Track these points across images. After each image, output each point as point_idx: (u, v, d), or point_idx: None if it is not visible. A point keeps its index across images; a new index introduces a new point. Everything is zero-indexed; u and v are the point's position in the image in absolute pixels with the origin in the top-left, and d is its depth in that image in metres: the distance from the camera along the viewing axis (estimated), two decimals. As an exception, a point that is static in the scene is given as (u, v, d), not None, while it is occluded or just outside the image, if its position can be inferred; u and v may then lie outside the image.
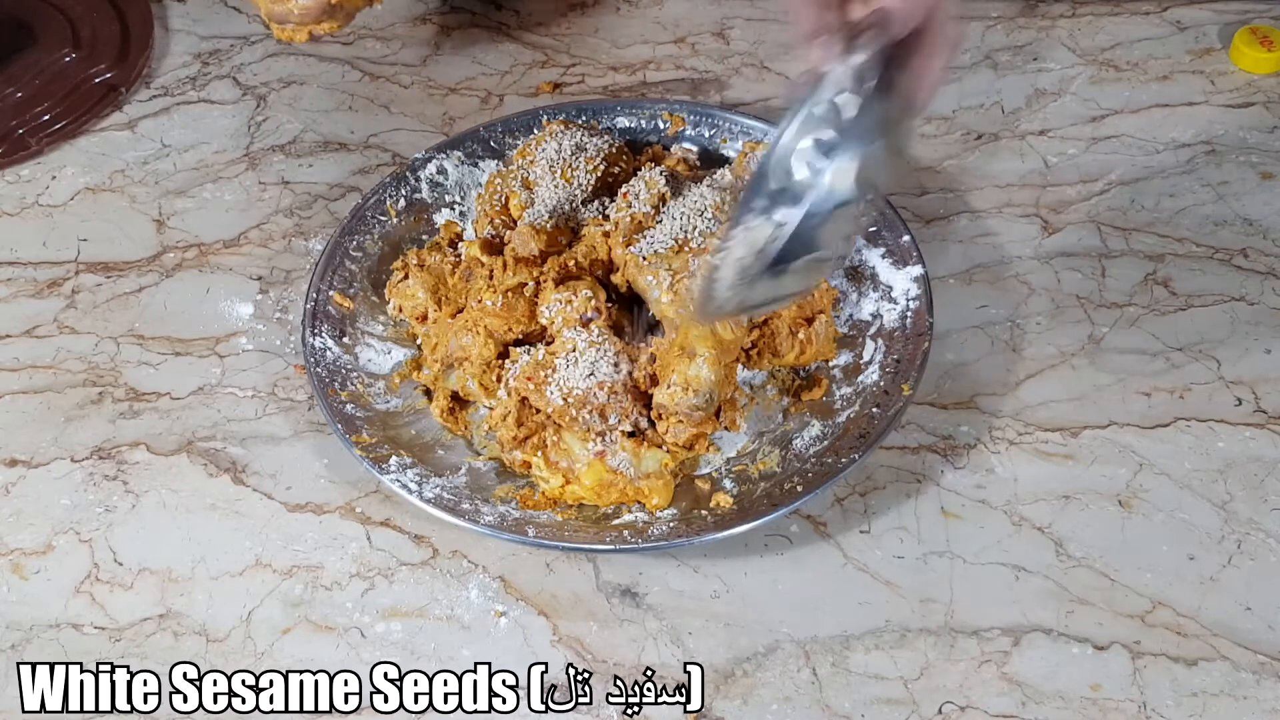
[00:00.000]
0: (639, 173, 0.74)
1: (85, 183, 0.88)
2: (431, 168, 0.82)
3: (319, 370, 0.71)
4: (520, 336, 0.71)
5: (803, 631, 0.63)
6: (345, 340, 0.74)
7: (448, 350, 0.71)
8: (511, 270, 0.71)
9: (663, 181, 0.72)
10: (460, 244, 0.78)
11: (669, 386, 0.65)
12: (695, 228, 0.69)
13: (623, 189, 0.73)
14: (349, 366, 0.73)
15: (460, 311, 0.73)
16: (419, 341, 0.75)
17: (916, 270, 0.73)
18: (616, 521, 0.66)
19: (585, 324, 0.68)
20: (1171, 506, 0.67)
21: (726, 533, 0.63)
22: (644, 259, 0.69)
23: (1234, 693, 0.60)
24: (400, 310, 0.75)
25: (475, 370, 0.70)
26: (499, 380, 0.70)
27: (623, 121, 0.84)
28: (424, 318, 0.74)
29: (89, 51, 0.95)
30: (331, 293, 0.75)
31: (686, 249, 0.68)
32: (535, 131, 0.83)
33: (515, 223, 0.75)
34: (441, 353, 0.72)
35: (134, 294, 0.81)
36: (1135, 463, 0.69)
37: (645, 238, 0.70)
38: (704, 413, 0.66)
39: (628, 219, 0.71)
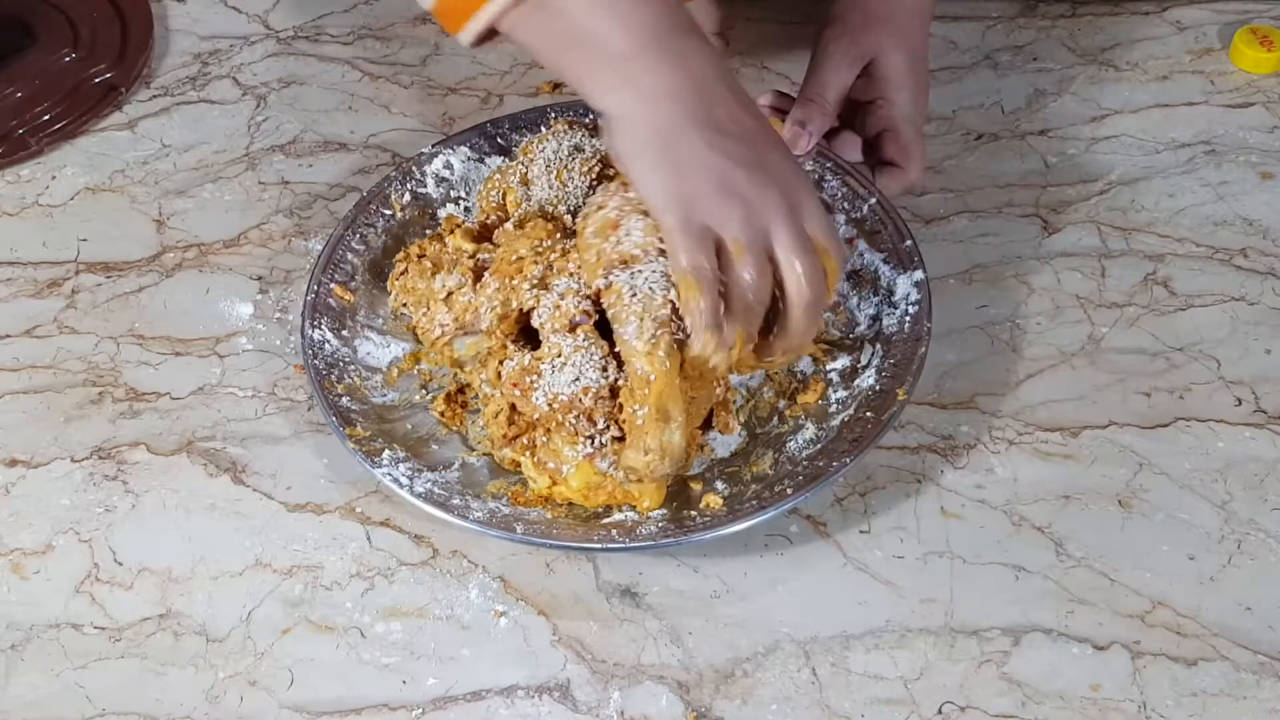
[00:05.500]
0: (623, 204, 0.66)
1: (85, 183, 0.88)
2: (438, 163, 0.82)
3: (316, 363, 0.71)
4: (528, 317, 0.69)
5: (803, 631, 0.63)
6: (344, 333, 0.74)
7: (461, 310, 0.70)
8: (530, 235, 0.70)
9: (655, 224, 0.65)
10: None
11: (644, 453, 0.63)
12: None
13: (608, 213, 0.66)
14: (347, 359, 0.73)
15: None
16: (418, 327, 0.75)
17: (917, 275, 0.73)
18: (607, 520, 0.66)
19: (573, 328, 0.67)
20: (1171, 506, 0.67)
21: (715, 533, 0.63)
22: (629, 296, 0.64)
23: (1234, 693, 0.60)
24: (404, 306, 0.75)
25: (488, 338, 0.69)
26: (499, 375, 0.69)
27: None
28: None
29: (89, 51, 0.95)
30: (333, 285, 0.76)
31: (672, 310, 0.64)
32: (543, 128, 0.82)
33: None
34: (457, 310, 0.70)
35: (134, 294, 0.81)
36: (1135, 463, 0.69)
37: (634, 272, 0.64)
38: (670, 475, 0.65)
39: (613, 250, 0.65)
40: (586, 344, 0.65)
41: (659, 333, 0.63)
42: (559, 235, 0.70)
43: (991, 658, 0.62)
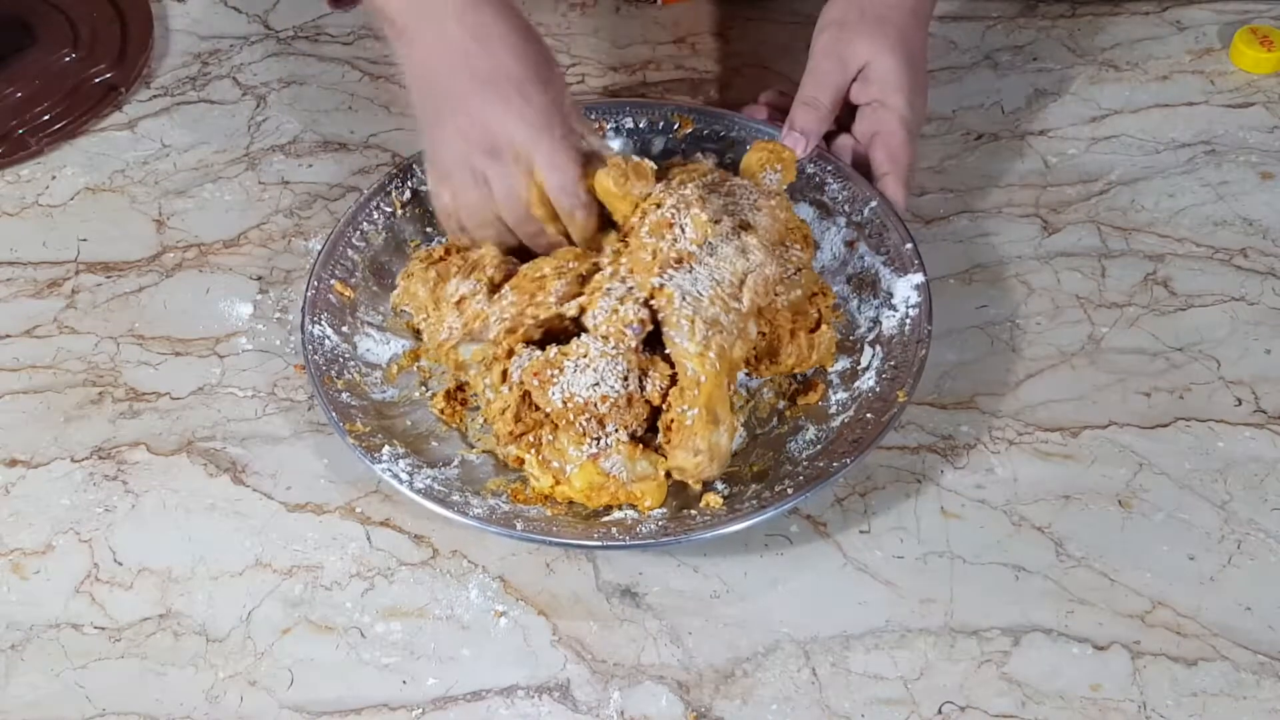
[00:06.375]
0: (678, 202, 0.70)
1: (85, 183, 0.88)
2: None
3: (316, 358, 0.71)
4: (542, 329, 0.70)
5: (803, 631, 0.63)
6: (344, 329, 0.74)
7: (470, 318, 0.70)
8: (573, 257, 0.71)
9: (708, 220, 0.69)
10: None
11: (694, 454, 0.64)
12: (743, 281, 0.67)
13: (664, 213, 0.69)
14: (347, 355, 0.73)
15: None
16: (420, 327, 0.75)
17: (918, 278, 0.73)
18: (606, 518, 0.66)
19: (622, 333, 0.66)
20: (1171, 506, 0.67)
21: (714, 533, 0.63)
22: (680, 299, 0.66)
23: (1234, 693, 0.60)
24: (406, 306, 0.75)
25: (490, 350, 0.69)
26: (504, 377, 0.69)
27: (629, 122, 0.84)
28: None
29: (89, 51, 0.95)
30: (333, 281, 0.76)
31: (732, 301, 0.67)
32: None
33: None
34: (467, 316, 0.70)
35: (134, 294, 0.81)
36: (1135, 463, 0.69)
37: (686, 273, 0.67)
38: (715, 477, 0.67)
39: (669, 249, 0.68)
40: (614, 352, 0.65)
41: (709, 334, 0.65)
42: (588, 262, 0.71)
43: (991, 658, 0.62)
